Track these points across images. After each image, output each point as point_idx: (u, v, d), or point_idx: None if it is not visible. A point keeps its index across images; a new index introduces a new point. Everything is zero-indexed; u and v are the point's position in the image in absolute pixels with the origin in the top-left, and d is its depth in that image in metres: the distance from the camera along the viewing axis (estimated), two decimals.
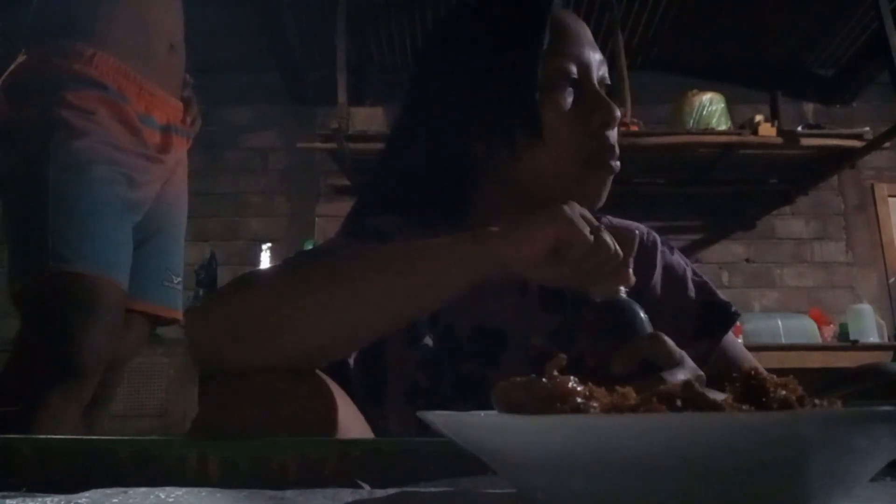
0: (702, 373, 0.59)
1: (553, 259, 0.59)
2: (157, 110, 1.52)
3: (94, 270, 1.32)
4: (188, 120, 1.61)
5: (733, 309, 0.81)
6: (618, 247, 0.59)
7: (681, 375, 0.56)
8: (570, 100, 0.72)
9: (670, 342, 0.58)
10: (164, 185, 1.55)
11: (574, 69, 0.72)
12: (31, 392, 1.27)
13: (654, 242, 0.85)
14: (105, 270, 1.34)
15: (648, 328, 0.60)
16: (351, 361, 0.72)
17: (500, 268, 0.60)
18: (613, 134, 0.73)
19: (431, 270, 0.60)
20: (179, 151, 1.59)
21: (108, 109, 1.41)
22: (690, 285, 0.82)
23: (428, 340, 0.73)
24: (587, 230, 0.58)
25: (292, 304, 0.60)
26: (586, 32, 0.75)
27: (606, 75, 0.76)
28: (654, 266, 0.83)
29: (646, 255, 0.82)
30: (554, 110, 0.71)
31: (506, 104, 0.72)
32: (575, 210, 0.59)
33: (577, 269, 0.59)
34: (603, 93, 0.74)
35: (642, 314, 0.60)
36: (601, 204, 0.74)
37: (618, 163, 0.73)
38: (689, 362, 0.59)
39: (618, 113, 0.72)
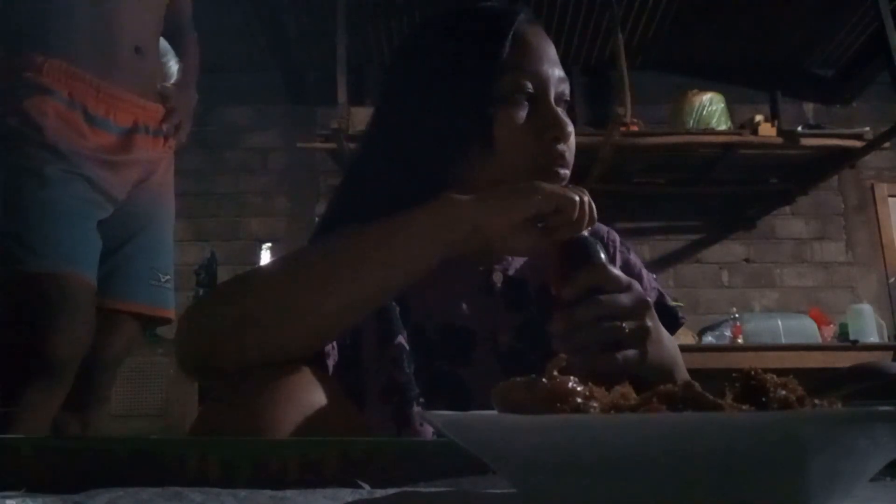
0: (647, 298, 0.63)
1: (526, 229, 0.64)
2: (120, 112, 1.52)
3: (52, 268, 1.34)
4: (166, 127, 1.61)
5: (680, 315, 0.85)
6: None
7: (624, 299, 0.61)
8: (523, 114, 0.74)
9: (617, 271, 0.63)
10: (141, 185, 1.56)
11: (530, 85, 0.74)
12: (7, 390, 1.29)
13: (615, 241, 0.88)
14: (66, 266, 1.36)
15: (605, 258, 0.64)
16: (329, 366, 0.73)
17: (473, 233, 0.63)
18: (565, 146, 0.75)
19: (409, 240, 0.64)
20: (152, 152, 1.59)
21: (57, 114, 1.42)
22: (647, 283, 0.85)
23: (401, 339, 0.75)
24: (573, 195, 0.63)
25: (279, 299, 0.63)
26: (548, 49, 0.77)
27: (566, 92, 0.78)
28: (615, 262, 0.86)
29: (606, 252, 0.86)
30: (507, 123, 0.73)
31: (460, 116, 0.74)
32: (551, 183, 0.64)
33: (548, 235, 0.64)
34: (560, 109, 0.76)
35: (599, 247, 0.64)
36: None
37: (566, 171, 0.76)
38: (637, 289, 0.63)
39: (570, 129, 0.74)
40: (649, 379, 0.63)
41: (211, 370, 0.64)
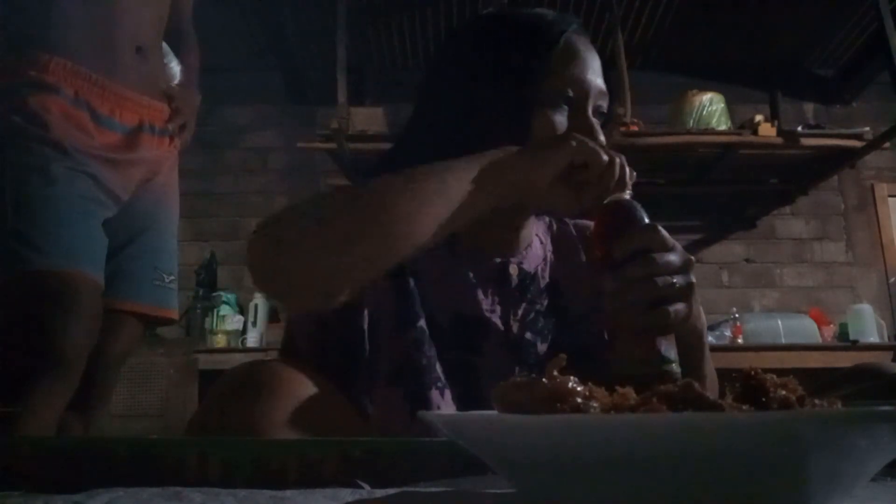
0: (691, 257, 0.66)
1: (562, 186, 0.67)
2: (125, 111, 1.52)
3: (58, 266, 1.34)
4: (171, 126, 1.61)
5: None
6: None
7: (670, 257, 0.63)
8: (561, 118, 0.76)
9: (664, 232, 0.65)
10: (145, 184, 1.56)
11: (571, 92, 0.76)
12: (14, 388, 1.29)
13: None
14: (71, 264, 1.35)
15: (647, 220, 0.67)
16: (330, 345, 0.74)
17: (516, 185, 0.66)
18: None
19: (462, 182, 0.66)
20: (158, 151, 1.59)
21: (62, 112, 1.42)
22: None
23: (422, 324, 0.76)
24: (600, 150, 0.66)
25: (348, 224, 0.65)
26: (594, 61, 0.79)
27: (605, 105, 0.79)
28: None
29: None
30: (545, 125, 0.75)
31: (502, 112, 0.76)
32: (581, 137, 0.66)
33: (582, 192, 0.67)
34: (596, 121, 0.78)
35: (642, 211, 0.67)
36: (569, 208, 0.77)
37: None
38: (680, 249, 0.66)
39: (601, 139, 0.75)
40: (688, 338, 0.68)
41: (280, 285, 0.66)
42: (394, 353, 0.75)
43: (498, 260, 0.82)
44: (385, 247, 0.64)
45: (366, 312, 0.75)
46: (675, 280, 0.63)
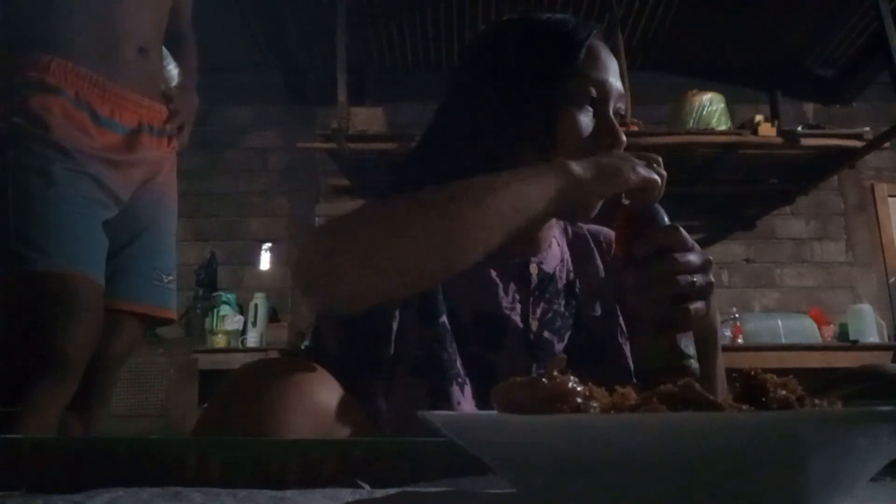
0: (710, 257, 0.69)
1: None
2: (126, 112, 1.53)
3: (58, 266, 1.34)
4: (169, 127, 1.61)
5: None
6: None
7: (690, 257, 0.66)
8: (585, 117, 0.79)
9: (685, 232, 0.68)
10: (145, 185, 1.56)
11: (594, 92, 0.79)
12: (15, 389, 1.29)
13: (612, 243, 0.92)
14: (73, 266, 1.36)
15: (668, 221, 0.70)
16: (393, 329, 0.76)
17: (571, 191, 0.67)
18: None
19: (525, 190, 0.66)
20: (158, 152, 1.59)
21: (64, 113, 1.42)
22: None
23: (444, 319, 0.78)
24: (650, 173, 0.69)
25: (399, 238, 0.65)
26: (614, 64, 0.82)
27: (623, 107, 0.83)
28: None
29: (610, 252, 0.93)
30: (571, 121, 0.78)
31: (531, 108, 0.79)
32: (631, 159, 0.70)
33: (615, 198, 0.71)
34: (616, 121, 0.81)
35: (663, 212, 0.70)
36: (592, 216, 0.80)
37: None
38: (700, 250, 0.69)
39: (623, 139, 0.78)
40: (704, 335, 0.71)
41: (329, 296, 0.66)
42: (416, 347, 0.76)
43: (518, 259, 0.84)
44: (438, 260, 0.65)
45: (396, 313, 0.77)
46: (694, 279, 0.66)
